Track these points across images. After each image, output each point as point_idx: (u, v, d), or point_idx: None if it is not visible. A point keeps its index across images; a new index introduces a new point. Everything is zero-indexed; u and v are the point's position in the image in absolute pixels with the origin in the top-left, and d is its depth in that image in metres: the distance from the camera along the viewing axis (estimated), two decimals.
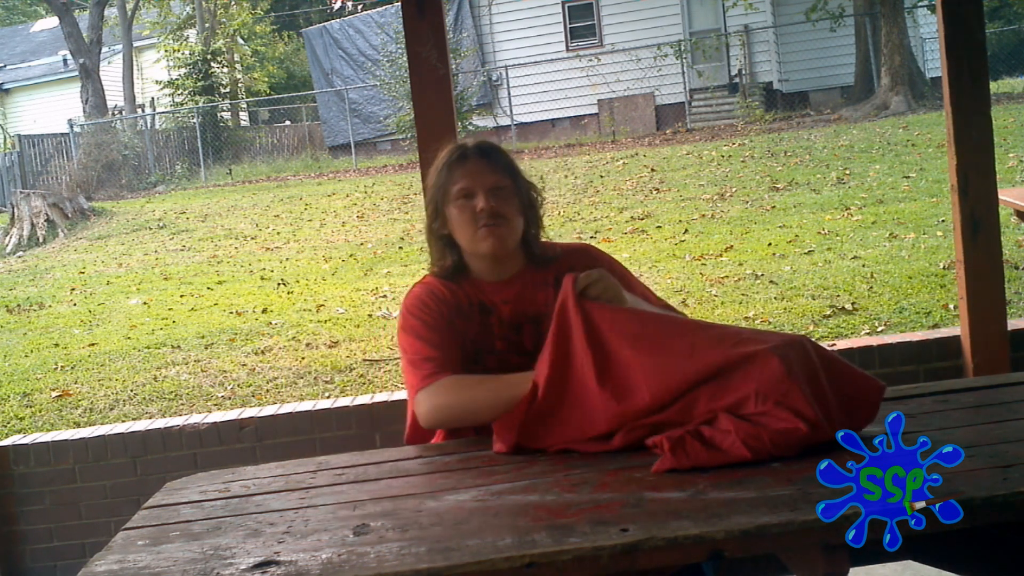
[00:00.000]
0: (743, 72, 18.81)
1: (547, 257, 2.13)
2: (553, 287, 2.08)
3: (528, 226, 2.12)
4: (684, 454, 1.66)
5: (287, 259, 10.34)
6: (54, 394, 5.85)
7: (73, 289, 9.79)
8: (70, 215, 14.13)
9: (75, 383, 6.07)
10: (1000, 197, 3.05)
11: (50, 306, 9.02)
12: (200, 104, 21.97)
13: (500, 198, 2.05)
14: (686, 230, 9.21)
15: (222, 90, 24.10)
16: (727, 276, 7.01)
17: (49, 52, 28.40)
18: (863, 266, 6.72)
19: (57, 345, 7.24)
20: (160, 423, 3.29)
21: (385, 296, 7.86)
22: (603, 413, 1.79)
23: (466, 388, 1.98)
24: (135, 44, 24.97)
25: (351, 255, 10.09)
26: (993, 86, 16.40)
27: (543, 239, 2.18)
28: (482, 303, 2.10)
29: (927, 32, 19.21)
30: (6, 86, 27.96)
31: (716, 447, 1.66)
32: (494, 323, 2.09)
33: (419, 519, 1.58)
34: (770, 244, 8.01)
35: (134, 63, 24.54)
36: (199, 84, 22.91)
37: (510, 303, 2.09)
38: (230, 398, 5.45)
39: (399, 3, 3.26)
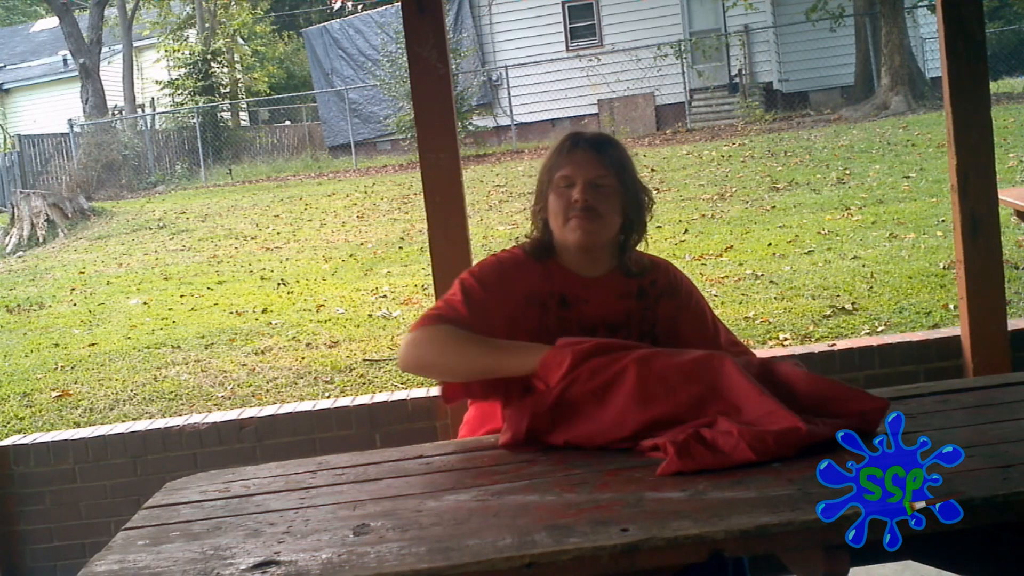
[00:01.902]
0: (743, 72, 18.82)
1: (636, 268, 2.08)
2: (635, 298, 2.07)
3: (626, 229, 2.06)
4: (689, 457, 1.66)
5: (287, 259, 10.34)
6: (54, 394, 5.85)
7: (73, 289, 9.79)
8: (70, 215, 14.13)
9: (75, 383, 6.07)
10: (1000, 197, 3.05)
11: (50, 306, 9.03)
12: (200, 104, 21.97)
13: (598, 193, 2.00)
14: (686, 230, 9.21)
15: (222, 90, 24.10)
16: (727, 276, 7.01)
17: (49, 52, 28.39)
18: (863, 266, 6.72)
19: (57, 345, 7.24)
20: (160, 423, 3.29)
21: (385, 296, 7.86)
22: (631, 418, 1.78)
23: (452, 341, 1.91)
24: (135, 44, 24.97)
25: (351, 255, 10.09)
26: (993, 86, 16.39)
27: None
28: (564, 296, 2.04)
29: (927, 32, 19.21)
30: (6, 86, 27.96)
31: (719, 450, 1.66)
32: (571, 318, 2.03)
33: (419, 519, 1.58)
34: (770, 244, 8.01)
35: (134, 63, 24.54)
36: (199, 84, 22.91)
37: (591, 304, 2.04)
38: (230, 398, 5.45)
39: (399, 3, 3.26)
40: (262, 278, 9.34)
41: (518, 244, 2.13)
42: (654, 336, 2.07)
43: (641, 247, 2.14)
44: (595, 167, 2.01)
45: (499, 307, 1.99)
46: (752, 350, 2.15)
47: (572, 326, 2.02)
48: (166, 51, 24.17)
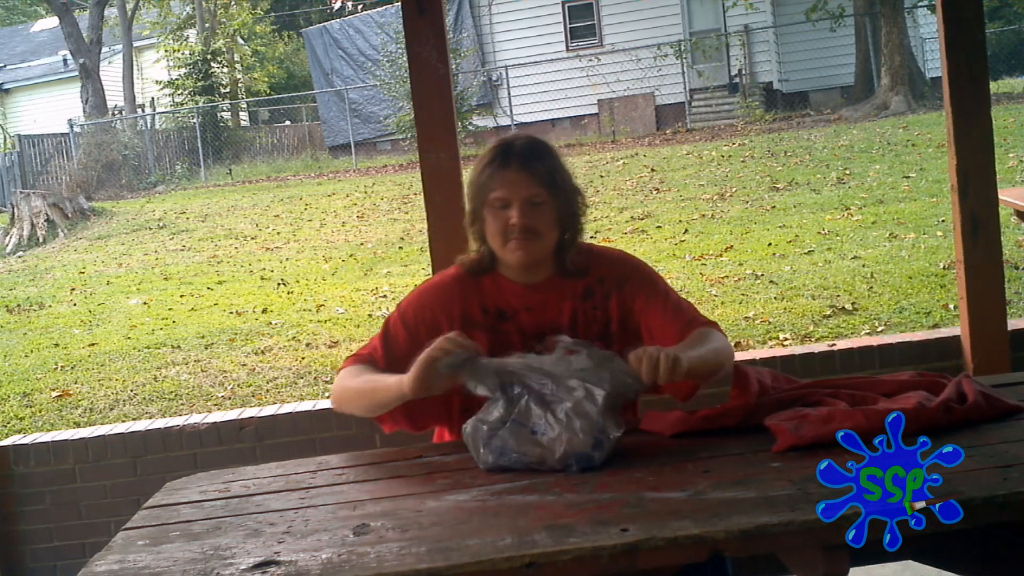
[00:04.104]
0: (743, 72, 18.81)
1: (580, 268, 2.07)
2: (582, 299, 2.05)
3: (563, 235, 2.05)
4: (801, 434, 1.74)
5: (287, 259, 10.34)
6: (54, 394, 5.85)
7: (73, 289, 9.79)
8: (70, 215, 14.13)
9: (75, 383, 6.07)
10: (1000, 197, 3.04)
11: (50, 306, 9.02)
12: (200, 104, 21.96)
13: (535, 213, 1.99)
14: (686, 230, 9.21)
15: (222, 90, 24.10)
16: (727, 276, 7.01)
17: (49, 52, 28.38)
18: (863, 266, 6.72)
19: (57, 345, 7.24)
20: (160, 423, 3.28)
21: (385, 296, 7.86)
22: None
23: (354, 376, 2.02)
24: (135, 44, 24.97)
25: (351, 255, 10.09)
26: (993, 86, 16.39)
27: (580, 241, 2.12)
28: (500, 309, 2.04)
29: (927, 32, 19.21)
30: (6, 86, 27.95)
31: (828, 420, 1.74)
32: (511, 330, 2.03)
33: (419, 519, 1.58)
34: (770, 244, 8.01)
35: (134, 63, 24.54)
36: (199, 84, 22.91)
37: (533, 311, 2.03)
38: (230, 398, 5.45)
39: (399, 3, 3.26)
40: (262, 278, 9.34)
41: (458, 263, 2.13)
42: (609, 336, 2.04)
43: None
44: (528, 186, 1.99)
45: (424, 340, 1.98)
46: (720, 325, 2.12)
47: (512, 338, 2.02)
48: (166, 51, 24.17)
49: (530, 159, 2.02)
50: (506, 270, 2.07)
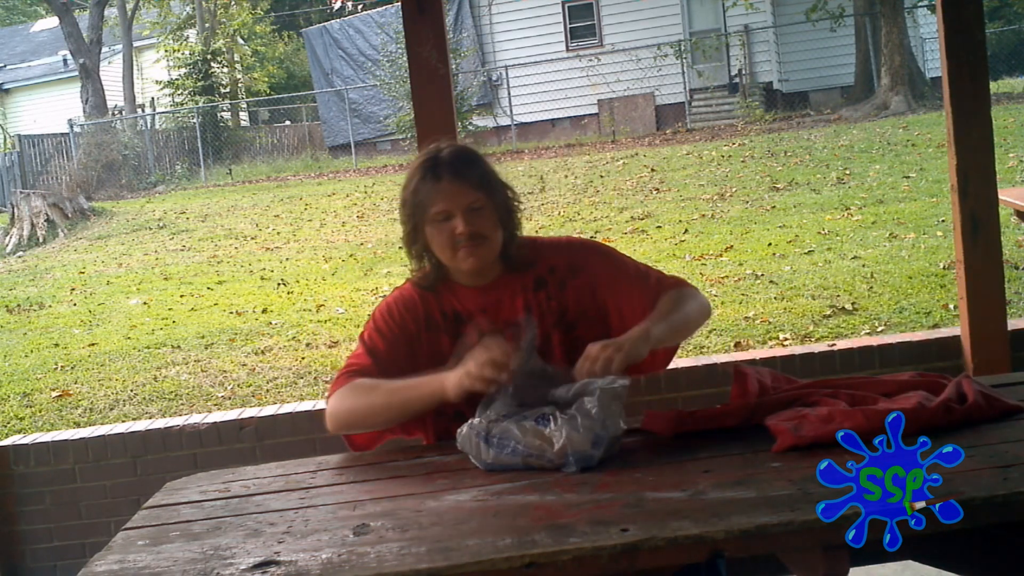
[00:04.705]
0: (743, 72, 18.82)
1: (526, 261, 2.10)
2: (533, 290, 2.08)
3: (505, 233, 2.08)
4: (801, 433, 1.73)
5: (287, 259, 10.34)
6: (54, 394, 5.85)
7: (73, 289, 9.79)
8: (70, 215, 14.13)
9: (75, 383, 6.07)
10: (1000, 197, 3.05)
11: (50, 306, 9.02)
12: (200, 104, 21.97)
13: (477, 218, 2.01)
14: (686, 230, 9.21)
15: (222, 90, 24.11)
16: (727, 276, 7.01)
17: (49, 52, 28.39)
18: (863, 266, 6.72)
19: (57, 345, 7.24)
20: (160, 423, 3.29)
21: (385, 296, 7.86)
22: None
23: (366, 391, 2.00)
24: (135, 44, 24.97)
25: (351, 255, 10.09)
26: (993, 86, 16.39)
27: (525, 235, 2.14)
28: (456, 313, 2.07)
29: (927, 32, 19.22)
30: (6, 86, 27.95)
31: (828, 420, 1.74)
32: (470, 332, 2.05)
33: (419, 519, 1.58)
34: (770, 244, 8.01)
35: (134, 63, 24.54)
36: (199, 84, 22.92)
37: (488, 311, 2.06)
38: (230, 398, 5.45)
39: (399, 3, 3.26)
40: (262, 278, 9.34)
41: (408, 280, 2.16)
42: (567, 324, 2.06)
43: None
44: (466, 193, 2.01)
45: (401, 349, 2.05)
46: (687, 280, 2.13)
47: (472, 340, 2.02)
48: (166, 51, 24.17)
49: (460, 167, 2.03)
50: (458, 277, 2.10)
